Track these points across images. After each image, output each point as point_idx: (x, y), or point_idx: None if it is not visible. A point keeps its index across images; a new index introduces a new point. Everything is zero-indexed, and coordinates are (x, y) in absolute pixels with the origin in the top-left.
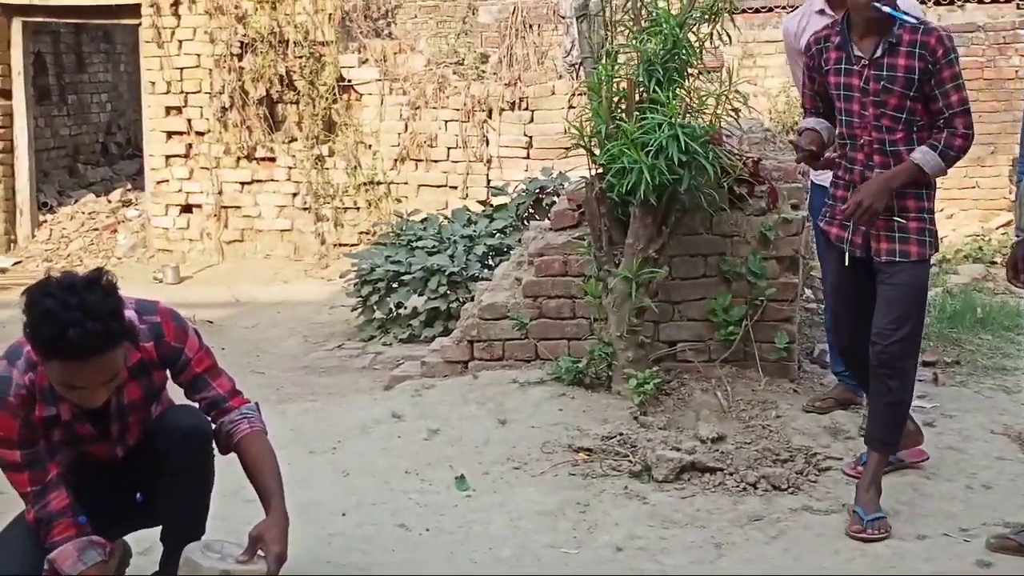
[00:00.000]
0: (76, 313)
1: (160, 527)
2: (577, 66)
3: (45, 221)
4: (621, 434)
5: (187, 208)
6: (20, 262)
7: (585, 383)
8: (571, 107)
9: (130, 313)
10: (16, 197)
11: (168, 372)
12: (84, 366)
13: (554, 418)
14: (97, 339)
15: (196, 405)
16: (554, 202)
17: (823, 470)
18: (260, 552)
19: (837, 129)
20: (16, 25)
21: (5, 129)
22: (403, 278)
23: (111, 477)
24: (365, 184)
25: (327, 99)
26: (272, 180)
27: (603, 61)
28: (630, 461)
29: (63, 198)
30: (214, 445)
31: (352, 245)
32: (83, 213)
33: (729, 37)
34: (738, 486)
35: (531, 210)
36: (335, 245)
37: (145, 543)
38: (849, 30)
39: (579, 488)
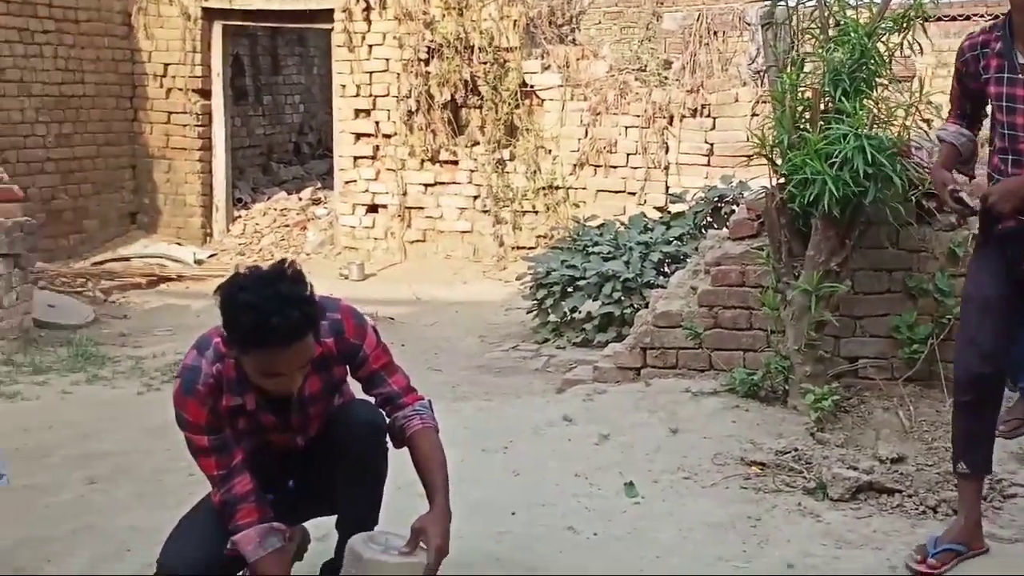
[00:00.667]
0: (274, 303)
1: (336, 516)
2: (762, 74)
3: (239, 216)
4: (796, 449)
5: (373, 208)
6: (215, 255)
7: (760, 396)
8: (754, 115)
9: None
10: (213, 193)
11: (348, 367)
12: (285, 353)
13: (727, 430)
14: (297, 325)
15: (372, 400)
16: (733, 211)
17: (1008, 496)
18: (422, 545)
19: (998, 143)
20: (216, 28)
21: (204, 128)
22: (578, 283)
23: (291, 466)
24: (544, 188)
25: (510, 104)
26: (454, 183)
27: (788, 70)
28: (805, 477)
29: (257, 195)
30: (388, 440)
31: (530, 248)
32: (275, 210)
33: (920, 47)
34: (917, 508)
35: (709, 218)
36: (513, 247)
37: (323, 529)
38: (1012, 35)
39: (751, 502)
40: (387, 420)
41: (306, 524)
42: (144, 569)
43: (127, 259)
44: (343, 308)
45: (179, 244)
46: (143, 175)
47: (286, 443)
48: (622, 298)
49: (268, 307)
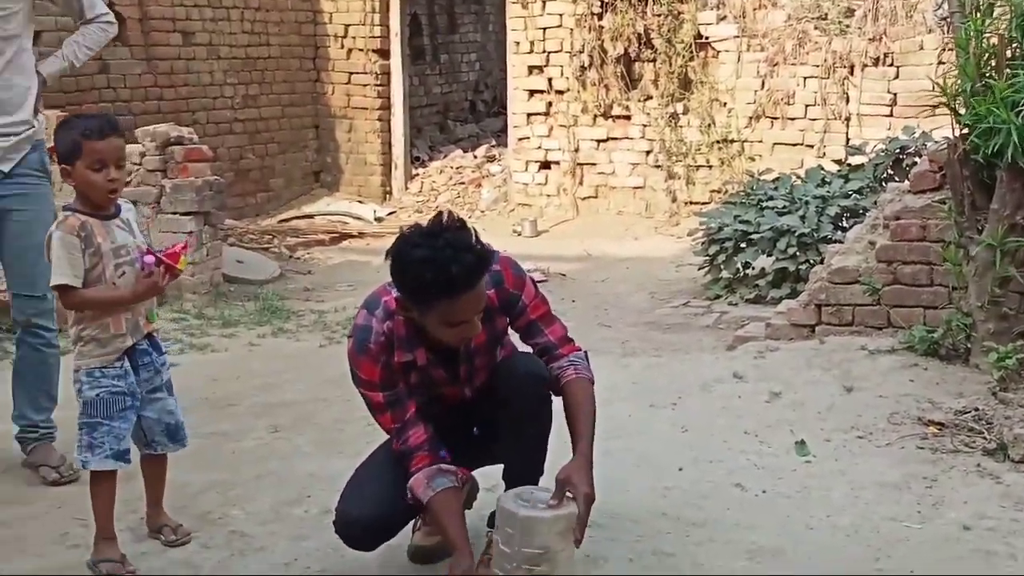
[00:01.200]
0: (449, 251)
1: (502, 466)
2: (948, 20)
3: (417, 174)
4: (977, 409)
5: (545, 164)
6: (394, 212)
7: (940, 354)
8: (940, 63)
9: None
10: (392, 151)
11: (508, 317)
12: (467, 298)
13: (904, 388)
14: (474, 268)
15: (530, 351)
16: (915, 163)
17: None
18: (569, 495)
19: None
20: None
21: (383, 87)
22: (751, 238)
23: (459, 417)
24: (718, 142)
25: (684, 56)
26: (627, 138)
27: (973, 16)
28: (984, 438)
29: (433, 153)
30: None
31: (703, 203)
32: (451, 167)
33: None
34: None
35: (890, 171)
36: (686, 203)
37: (492, 480)
38: None
39: (927, 462)
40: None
41: (475, 474)
42: (323, 515)
43: (311, 216)
44: (502, 259)
45: (360, 202)
46: (326, 134)
47: (455, 395)
48: (797, 253)
49: (444, 256)
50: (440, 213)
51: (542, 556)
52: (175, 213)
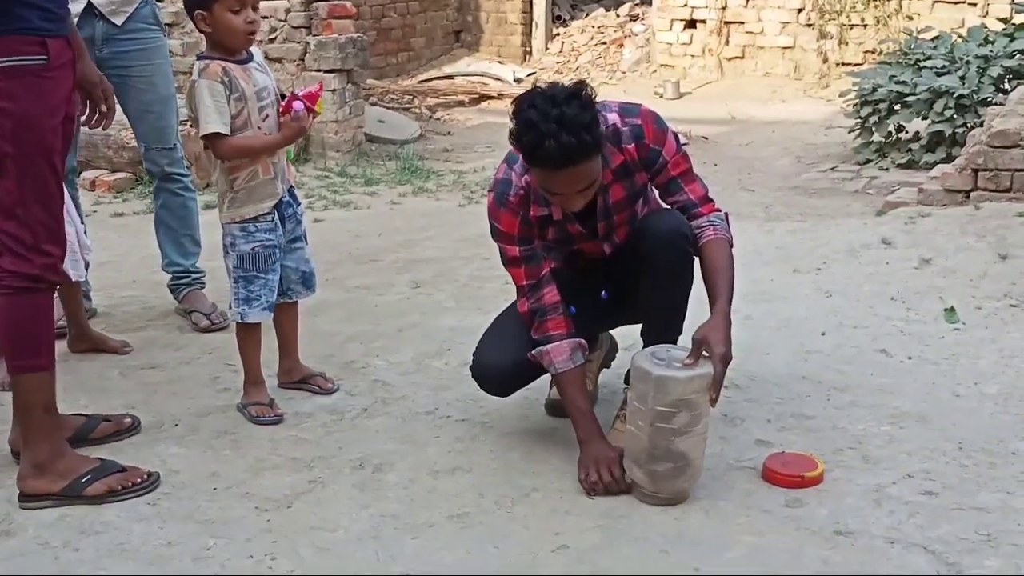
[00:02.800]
0: (553, 125)
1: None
2: None
3: (558, 34)
4: None
5: (691, 23)
6: (534, 73)
7: None
8: None
9: (613, 116)
10: (533, 11)
11: (647, 174)
12: (559, 175)
13: None
14: (570, 151)
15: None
16: None
17: None
18: (705, 354)
19: None
20: None
21: None
22: (907, 99)
23: (597, 275)
24: (875, 0)
25: None
26: None
27: None
28: None
29: (575, 12)
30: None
31: (855, 64)
32: (593, 27)
33: None
34: None
35: None
36: (837, 64)
37: (630, 340)
38: None
39: None
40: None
41: (614, 333)
42: (463, 367)
43: (451, 77)
44: (644, 113)
45: (500, 63)
46: None
47: (595, 251)
48: (954, 116)
49: (546, 128)
50: (581, 83)
51: (676, 414)
52: (319, 70)
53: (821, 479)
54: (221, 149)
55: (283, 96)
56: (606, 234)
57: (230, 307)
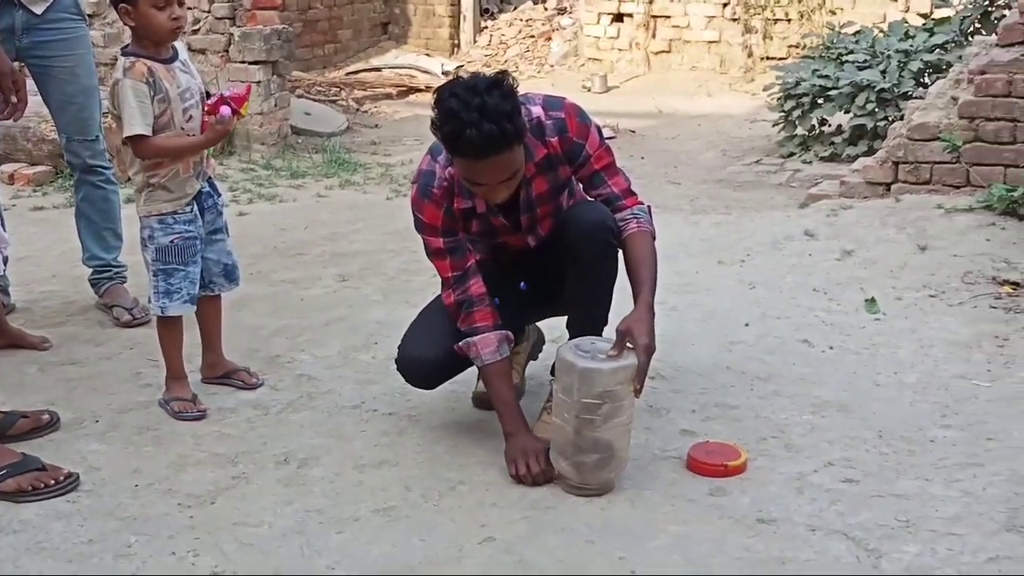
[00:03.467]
0: (474, 114)
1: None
2: None
3: (486, 27)
4: None
5: (618, 17)
6: (462, 66)
7: (1018, 213)
8: None
9: (537, 109)
10: (461, 3)
11: (570, 168)
12: (480, 164)
13: (979, 248)
14: (491, 140)
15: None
16: (1004, 15)
17: None
18: (629, 345)
19: None
20: None
21: None
22: (829, 93)
23: (525, 267)
24: None
25: None
26: None
27: None
28: None
29: (504, 5)
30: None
31: (780, 59)
32: (521, 20)
33: None
34: None
35: (977, 24)
36: (762, 58)
37: (558, 331)
38: None
39: (999, 322)
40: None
41: (542, 325)
42: (390, 360)
43: (378, 69)
44: (567, 107)
45: (428, 55)
46: None
47: (519, 244)
48: (876, 109)
49: (467, 117)
50: (503, 73)
51: (601, 406)
52: (243, 62)
53: (744, 468)
54: (143, 150)
55: (209, 95)
56: (529, 227)
57: (150, 301)
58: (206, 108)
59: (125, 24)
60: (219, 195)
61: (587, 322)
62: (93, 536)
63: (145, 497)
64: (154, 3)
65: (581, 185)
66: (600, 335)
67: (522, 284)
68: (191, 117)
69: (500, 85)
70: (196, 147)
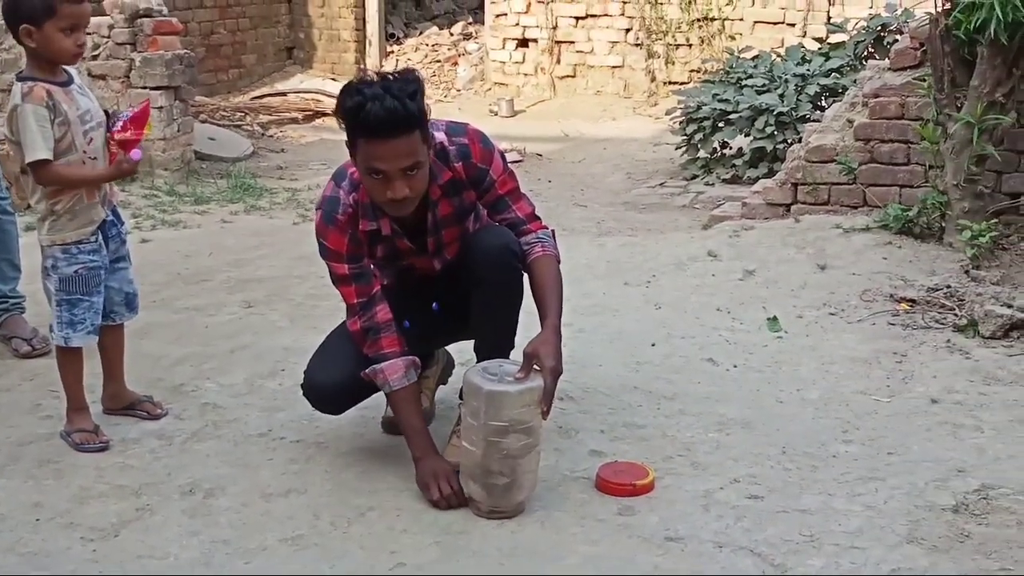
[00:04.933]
0: (377, 89)
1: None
2: None
3: (392, 52)
4: (949, 287)
5: (523, 42)
6: None
7: (914, 232)
8: None
9: (440, 135)
10: (366, 28)
11: (475, 193)
12: (382, 145)
13: (877, 266)
14: (393, 115)
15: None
16: (896, 40)
17: None
18: (535, 368)
19: None
20: None
21: None
22: (730, 117)
23: (428, 292)
24: (699, 20)
25: None
26: (606, 15)
27: None
28: (956, 315)
29: (409, 30)
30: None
31: (682, 83)
32: (427, 45)
33: None
34: None
35: (870, 49)
36: (665, 83)
37: (467, 355)
38: None
39: (897, 338)
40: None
41: (450, 349)
42: (298, 387)
43: (284, 94)
44: (470, 132)
45: (334, 79)
46: (298, 9)
47: (426, 267)
48: (775, 132)
49: (370, 92)
50: (408, 70)
51: (508, 429)
52: (145, 87)
53: (652, 487)
54: (44, 175)
55: (107, 113)
56: (436, 250)
57: (51, 331)
58: (113, 136)
59: (25, 45)
60: (122, 223)
61: (493, 345)
62: None
63: (46, 531)
64: (60, 27)
65: (486, 211)
66: (507, 358)
67: (434, 305)
68: (92, 139)
69: (406, 73)
70: (98, 179)
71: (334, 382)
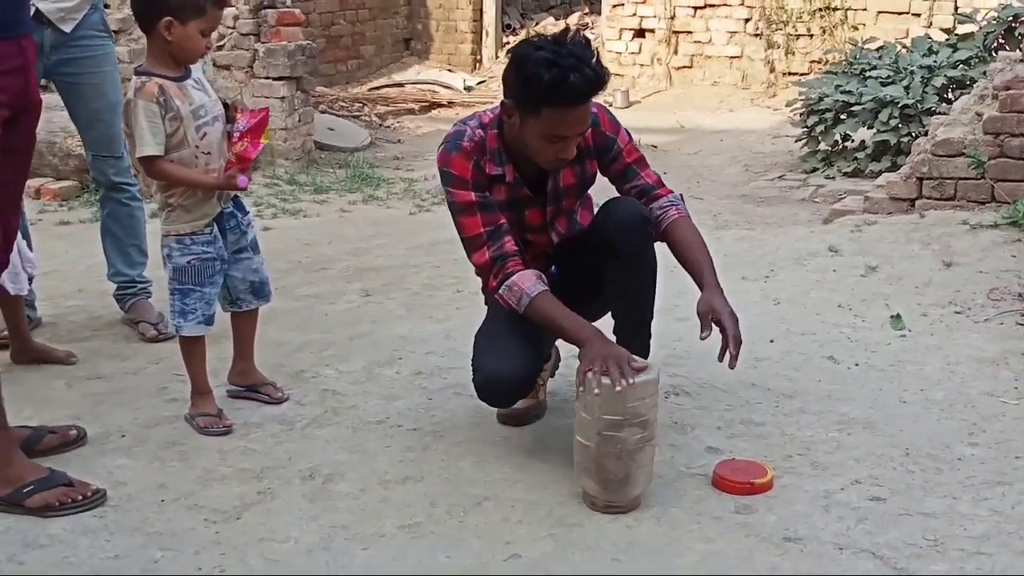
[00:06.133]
0: (571, 60)
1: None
2: None
3: (508, 43)
4: None
5: (640, 33)
6: (484, 81)
7: None
8: None
9: None
10: (483, 19)
11: (598, 163)
12: (575, 112)
13: (1006, 264)
14: (592, 82)
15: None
16: None
17: None
18: (715, 324)
19: None
20: None
21: None
22: (852, 109)
23: (548, 261)
24: (821, 10)
25: None
26: (725, 5)
27: None
28: None
29: (525, 20)
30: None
31: (802, 74)
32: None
33: None
34: None
35: (1001, 40)
36: (784, 74)
37: (574, 348)
38: None
39: None
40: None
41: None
42: (414, 375)
43: (401, 85)
44: (598, 105)
45: (450, 71)
46: (417, 1)
47: (542, 242)
48: (899, 125)
49: (566, 63)
50: (567, 27)
51: (624, 422)
52: (267, 78)
53: (771, 486)
54: (153, 170)
55: (225, 105)
56: (553, 218)
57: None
58: (233, 142)
59: (156, 36)
60: (245, 213)
61: (637, 320)
62: (119, 551)
63: (171, 512)
64: (202, 27)
65: (614, 182)
66: (649, 332)
67: (552, 269)
68: (205, 134)
69: (576, 35)
70: (203, 186)
71: (521, 376)
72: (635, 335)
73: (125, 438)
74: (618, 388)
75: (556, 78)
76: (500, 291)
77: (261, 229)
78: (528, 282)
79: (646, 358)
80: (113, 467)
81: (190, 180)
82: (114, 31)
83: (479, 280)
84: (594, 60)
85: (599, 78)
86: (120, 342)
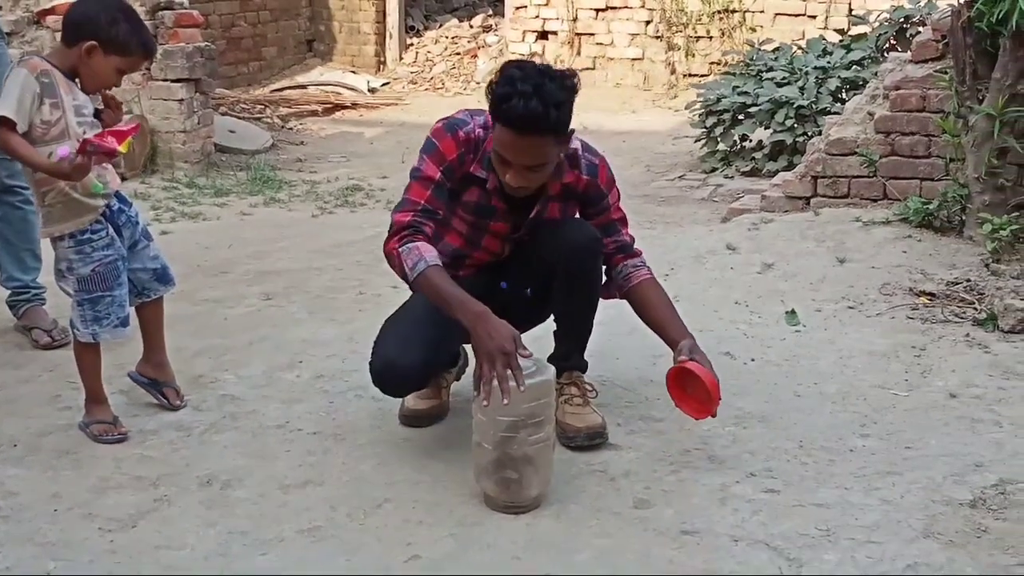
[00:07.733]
0: (528, 88)
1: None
2: None
3: (412, 44)
4: (968, 280)
5: (543, 35)
6: (388, 83)
7: (934, 226)
8: None
9: (576, 143)
10: (386, 20)
11: (580, 212)
12: (515, 140)
13: (897, 260)
14: (532, 116)
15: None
16: (918, 32)
17: None
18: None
19: None
20: None
21: None
22: (750, 110)
23: (498, 272)
24: (720, 12)
25: None
26: (626, 7)
27: None
28: (975, 309)
29: (429, 22)
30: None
31: (702, 75)
32: (447, 38)
33: None
34: None
35: (892, 41)
36: (685, 75)
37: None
38: None
39: (916, 332)
40: (614, 266)
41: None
42: (315, 379)
43: (304, 87)
44: (602, 158)
45: (353, 72)
46: (318, 2)
47: (495, 248)
48: (795, 125)
49: (520, 88)
50: (573, 72)
51: (519, 424)
52: (165, 80)
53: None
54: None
55: (97, 113)
56: (518, 236)
57: (72, 327)
58: (92, 139)
59: (78, 54)
60: (130, 205)
61: (581, 332)
62: (11, 563)
63: (65, 522)
64: (120, 67)
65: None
66: (585, 346)
67: (503, 284)
68: (85, 132)
69: (565, 77)
70: (39, 166)
71: (416, 366)
72: (575, 348)
73: (17, 447)
74: (506, 401)
75: (503, 95)
76: (400, 249)
77: (159, 233)
78: (430, 253)
79: (584, 369)
80: (4, 477)
81: (28, 157)
82: (7, 33)
83: (382, 281)
84: (559, 101)
85: (545, 117)
86: (12, 350)
